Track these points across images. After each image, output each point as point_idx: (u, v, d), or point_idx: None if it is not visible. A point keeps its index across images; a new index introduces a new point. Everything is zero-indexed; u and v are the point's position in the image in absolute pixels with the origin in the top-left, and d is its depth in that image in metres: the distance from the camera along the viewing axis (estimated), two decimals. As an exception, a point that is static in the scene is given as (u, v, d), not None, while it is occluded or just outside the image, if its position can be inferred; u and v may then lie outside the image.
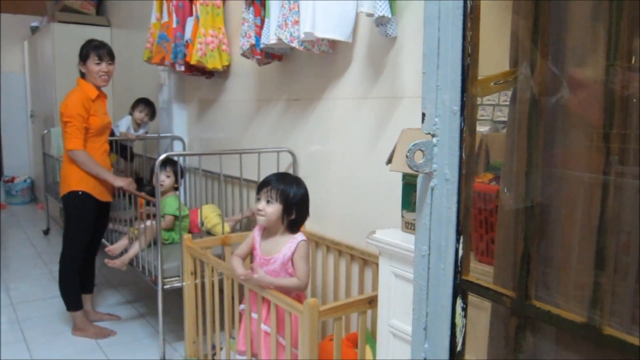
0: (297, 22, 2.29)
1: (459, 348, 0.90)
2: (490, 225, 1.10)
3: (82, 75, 2.95)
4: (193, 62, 3.15)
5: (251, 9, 2.67)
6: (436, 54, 0.87)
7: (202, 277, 2.50)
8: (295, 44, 2.32)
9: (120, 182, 2.93)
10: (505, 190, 0.96)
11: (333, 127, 2.48)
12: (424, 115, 0.90)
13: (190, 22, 3.29)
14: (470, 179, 0.89)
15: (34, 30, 6.57)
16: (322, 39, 2.33)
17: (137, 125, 4.16)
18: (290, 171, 2.75)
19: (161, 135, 4.12)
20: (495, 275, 0.95)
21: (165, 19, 3.50)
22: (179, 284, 2.67)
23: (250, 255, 2.20)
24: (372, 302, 1.85)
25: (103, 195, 2.99)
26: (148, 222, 2.85)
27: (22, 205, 6.95)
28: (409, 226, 1.68)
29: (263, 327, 2.02)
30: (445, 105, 0.87)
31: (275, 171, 2.61)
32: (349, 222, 2.41)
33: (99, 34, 5.57)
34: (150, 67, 4.03)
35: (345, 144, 2.41)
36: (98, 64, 2.90)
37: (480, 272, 0.95)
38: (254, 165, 2.84)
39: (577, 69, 0.94)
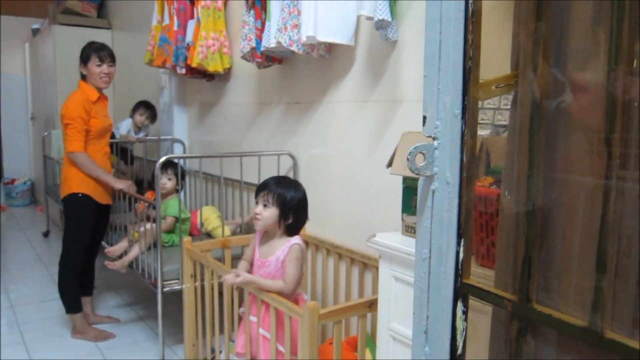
0: (296, 26, 2.30)
1: (459, 351, 0.90)
2: (490, 228, 1.10)
3: (83, 78, 2.95)
4: (194, 64, 3.16)
5: (252, 12, 2.68)
6: (437, 57, 0.87)
7: (202, 280, 2.49)
8: (293, 48, 2.32)
9: (120, 184, 2.93)
10: (507, 194, 0.95)
11: (333, 131, 2.48)
12: (425, 118, 0.90)
13: (191, 25, 3.30)
14: (471, 182, 0.89)
15: (35, 32, 6.58)
16: (321, 43, 2.34)
17: (138, 128, 4.16)
18: (291, 174, 2.74)
19: (162, 137, 4.12)
20: (496, 279, 0.95)
21: (167, 21, 3.50)
22: (179, 287, 2.66)
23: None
24: (372, 305, 1.85)
25: (103, 198, 2.99)
26: (148, 225, 2.85)
27: (22, 207, 6.95)
28: (409, 230, 1.68)
29: (262, 331, 2.01)
30: (446, 108, 0.86)
31: (275, 174, 2.61)
32: (349, 225, 2.40)
33: (100, 36, 5.57)
34: (151, 69, 4.03)
35: (345, 147, 2.41)
36: (99, 65, 2.90)
37: (481, 276, 0.95)
38: (254, 168, 2.84)
39: (579, 72, 0.94)
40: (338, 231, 2.47)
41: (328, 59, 2.45)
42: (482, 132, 1.21)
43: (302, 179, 2.70)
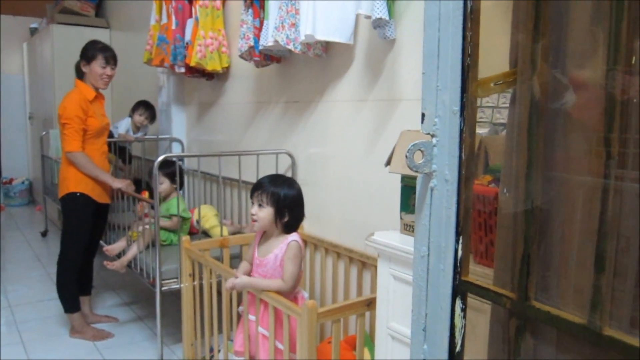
0: (293, 25, 2.30)
1: (458, 349, 0.90)
2: (489, 227, 1.10)
3: (80, 76, 2.94)
4: (192, 63, 3.16)
5: (250, 10, 2.68)
6: (436, 55, 0.87)
7: (201, 279, 2.49)
8: (291, 47, 2.32)
9: (118, 183, 2.93)
10: (505, 192, 0.96)
11: (332, 130, 2.48)
12: (423, 115, 0.90)
13: (190, 24, 3.30)
14: (470, 180, 0.89)
15: (33, 31, 6.57)
16: (317, 42, 2.34)
17: (137, 127, 4.16)
18: (289, 173, 2.74)
19: (160, 137, 4.12)
20: (495, 277, 0.95)
21: (165, 20, 3.50)
22: (177, 286, 2.66)
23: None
24: (370, 304, 1.84)
25: (101, 197, 2.99)
26: (147, 225, 2.84)
27: (20, 207, 6.94)
28: (407, 228, 1.68)
29: (261, 330, 2.01)
30: (445, 105, 0.86)
31: (274, 173, 2.61)
32: (348, 224, 2.40)
33: (98, 35, 5.56)
34: (149, 69, 4.02)
35: (344, 146, 2.41)
36: (104, 67, 2.91)
37: (479, 274, 0.95)
38: (252, 167, 2.84)
39: (577, 71, 0.94)
40: (336, 230, 2.47)
41: (326, 58, 2.45)
42: (480, 131, 1.21)
43: (301, 178, 2.70)
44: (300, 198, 2.10)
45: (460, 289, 0.89)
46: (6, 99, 7.09)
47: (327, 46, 2.43)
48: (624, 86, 0.83)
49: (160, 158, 2.62)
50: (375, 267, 1.74)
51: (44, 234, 5.38)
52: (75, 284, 3.01)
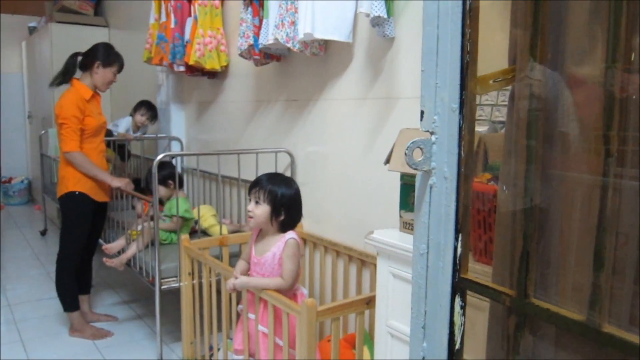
0: (293, 23, 2.30)
1: (457, 347, 0.90)
2: (488, 225, 1.10)
3: (83, 69, 2.94)
4: (191, 62, 3.16)
5: (249, 9, 2.67)
6: (435, 52, 0.87)
7: (200, 277, 2.49)
8: (290, 45, 2.32)
9: (117, 182, 2.93)
10: (504, 189, 0.95)
11: (331, 128, 2.48)
12: (422, 113, 0.89)
13: (189, 23, 3.29)
14: (469, 177, 0.89)
15: (32, 30, 6.56)
16: (314, 41, 2.34)
17: (137, 127, 4.15)
18: (288, 172, 2.74)
19: (159, 136, 4.11)
20: (494, 274, 0.95)
21: (164, 19, 3.50)
22: (177, 285, 2.66)
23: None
24: (370, 302, 1.85)
25: (100, 196, 2.98)
26: (146, 224, 2.84)
27: (19, 206, 6.93)
28: (407, 226, 1.68)
29: (260, 327, 2.01)
30: (444, 102, 0.86)
31: (273, 172, 2.61)
32: (347, 222, 2.40)
33: (97, 34, 5.57)
34: (148, 68, 4.02)
35: (343, 145, 2.41)
36: (115, 74, 2.99)
37: (478, 272, 0.95)
38: (252, 165, 2.84)
39: (576, 68, 0.94)
40: (336, 228, 2.47)
41: (326, 56, 2.45)
42: (479, 129, 1.21)
43: (300, 177, 2.70)
44: (298, 198, 2.09)
45: (460, 286, 0.89)
46: (5, 98, 7.08)
47: (326, 45, 2.43)
48: (622, 84, 0.83)
49: (160, 156, 2.62)
50: (375, 265, 1.74)
51: (43, 232, 5.38)
52: (74, 283, 3.01)
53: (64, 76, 2.96)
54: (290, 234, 2.03)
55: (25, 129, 7.27)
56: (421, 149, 0.88)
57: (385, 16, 1.96)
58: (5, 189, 6.95)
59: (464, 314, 0.89)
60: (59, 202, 3.02)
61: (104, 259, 2.92)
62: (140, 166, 4.30)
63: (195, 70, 3.42)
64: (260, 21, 2.60)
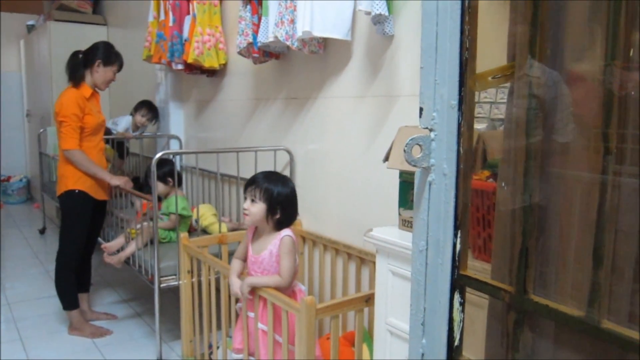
0: (292, 21, 2.30)
1: (456, 343, 0.90)
2: (487, 222, 1.10)
3: (83, 70, 2.93)
4: (190, 60, 3.15)
5: (248, 7, 2.67)
6: (434, 49, 0.87)
7: (199, 275, 2.49)
8: (289, 43, 2.32)
9: (116, 180, 2.93)
10: (503, 185, 0.96)
11: (330, 126, 2.48)
12: (421, 110, 0.90)
13: (187, 21, 3.29)
14: (468, 174, 0.89)
15: (30, 29, 6.55)
16: (313, 39, 2.34)
17: (136, 127, 4.14)
18: (288, 170, 2.74)
19: (158, 134, 4.11)
20: (493, 271, 0.95)
21: (163, 17, 3.49)
22: (176, 283, 2.66)
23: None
24: (369, 300, 1.85)
25: (99, 194, 2.98)
26: (145, 223, 2.84)
27: (18, 204, 6.93)
28: (406, 224, 1.68)
29: (260, 325, 2.01)
30: (443, 99, 0.86)
31: (272, 170, 2.61)
32: (346, 220, 2.40)
33: (96, 32, 5.56)
34: (147, 66, 4.02)
35: (342, 143, 2.41)
36: (115, 73, 3.01)
37: (478, 269, 0.95)
38: (251, 163, 2.84)
39: (575, 65, 0.95)
40: (335, 226, 2.47)
41: (325, 54, 2.45)
42: (479, 126, 1.21)
43: (299, 175, 2.70)
44: (294, 196, 2.09)
45: (459, 283, 0.89)
46: (3, 97, 7.08)
47: (325, 43, 2.43)
48: (621, 81, 0.83)
49: (159, 154, 2.62)
50: (374, 263, 1.74)
51: (42, 231, 5.37)
52: (73, 281, 3.01)
53: (75, 76, 2.94)
54: (286, 232, 2.03)
55: (24, 127, 7.26)
56: (420, 146, 0.88)
57: (387, 14, 1.96)
58: (4, 187, 6.94)
59: (463, 311, 0.90)
60: (58, 201, 3.02)
61: (104, 255, 2.93)
62: (139, 164, 4.30)
63: (193, 69, 3.42)
64: (259, 19, 2.59)
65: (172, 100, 4.00)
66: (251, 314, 2.06)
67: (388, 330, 1.64)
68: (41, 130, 5.25)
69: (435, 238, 0.91)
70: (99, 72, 2.92)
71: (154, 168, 2.60)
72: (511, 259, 0.87)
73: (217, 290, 2.34)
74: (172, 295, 3.21)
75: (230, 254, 2.67)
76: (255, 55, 2.72)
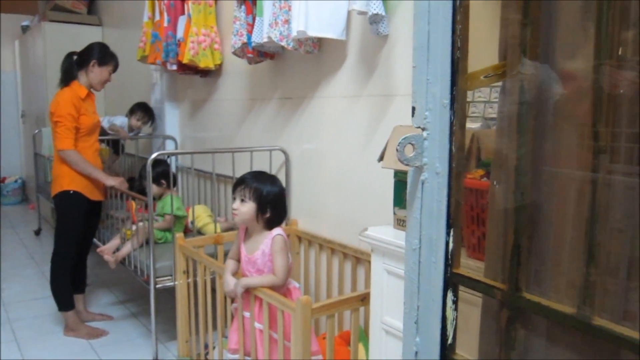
0: (286, 22, 2.30)
1: (450, 341, 0.90)
2: (481, 221, 1.10)
3: (79, 68, 2.93)
4: (185, 61, 3.15)
5: (243, 7, 2.67)
6: (426, 48, 0.88)
7: (195, 276, 2.49)
8: (284, 43, 2.32)
9: (112, 181, 2.92)
10: (495, 183, 0.96)
11: (326, 126, 2.48)
12: (414, 109, 0.90)
13: (182, 21, 3.28)
14: (461, 172, 0.89)
15: (25, 29, 6.53)
16: (308, 39, 2.34)
17: (131, 129, 4.11)
18: (283, 170, 2.74)
19: (153, 134, 4.10)
20: (486, 268, 0.96)
21: (158, 17, 3.49)
22: (172, 283, 2.66)
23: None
24: (364, 299, 1.85)
25: (95, 195, 2.98)
26: (141, 224, 2.84)
27: (13, 205, 6.90)
28: (401, 223, 1.68)
29: (256, 324, 2.02)
30: (435, 98, 0.87)
31: (267, 170, 2.61)
32: (342, 220, 2.41)
33: (91, 33, 5.55)
34: (142, 66, 4.01)
35: (337, 142, 2.41)
36: (110, 74, 3.02)
37: (471, 268, 0.96)
38: (246, 164, 2.83)
39: (567, 64, 0.95)
40: (330, 226, 2.47)
41: (320, 54, 2.45)
42: (472, 125, 1.22)
43: (295, 175, 2.70)
44: (283, 195, 2.11)
45: (452, 281, 0.89)
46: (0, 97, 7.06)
47: (319, 42, 2.43)
48: (613, 79, 0.83)
49: (154, 155, 2.61)
50: (369, 262, 1.74)
51: (38, 232, 5.36)
52: (69, 282, 3.01)
53: (66, 78, 2.94)
54: (277, 231, 2.04)
55: (18, 128, 7.23)
56: (413, 145, 0.88)
57: (384, 13, 1.96)
58: (-1, 188, 6.93)
59: (456, 309, 0.90)
60: (53, 201, 3.01)
61: (98, 249, 2.92)
62: (134, 165, 4.29)
63: (186, 69, 3.41)
64: (254, 19, 2.59)
65: (168, 100, 3.99)
66: (247, 314, 2.07)
67: (384, 329, 1.65)
68: (36, 130, 5.24)
69: (428, 236, 0.91)
70: (94, 73, 2.93)
71: (149, 169, 2.60)
72: (504, 257, 0.87)
73: (213, 290, 2.33)
74: (168, 295, 3.20)
75: (226, 254, 2.66)
76: (250, 55, 2.72)
